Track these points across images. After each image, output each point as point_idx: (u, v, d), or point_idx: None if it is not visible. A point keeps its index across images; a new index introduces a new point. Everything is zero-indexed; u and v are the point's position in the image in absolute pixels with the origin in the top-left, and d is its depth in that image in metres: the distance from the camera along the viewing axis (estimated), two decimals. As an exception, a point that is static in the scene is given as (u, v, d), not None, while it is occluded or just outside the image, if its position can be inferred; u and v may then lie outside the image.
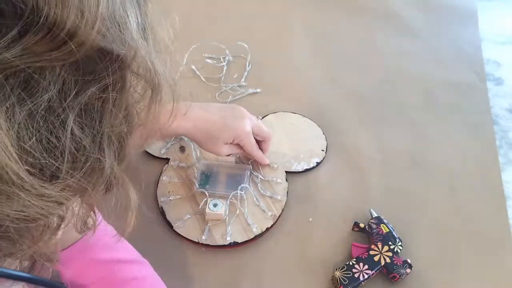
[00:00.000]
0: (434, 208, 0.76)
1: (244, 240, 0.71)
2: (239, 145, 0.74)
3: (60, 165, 0.29)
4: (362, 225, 0.71)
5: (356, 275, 0.66)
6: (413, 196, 0.77)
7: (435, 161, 0.82)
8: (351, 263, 0.67)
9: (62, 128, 0.29)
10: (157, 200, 0.75)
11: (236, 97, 0.90)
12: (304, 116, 0.87)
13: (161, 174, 0.78)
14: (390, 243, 0.68)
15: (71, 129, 0.29)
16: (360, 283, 0.66)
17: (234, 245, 0.70)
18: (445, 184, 0.79)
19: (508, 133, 0.89)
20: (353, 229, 0.72)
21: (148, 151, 0.80)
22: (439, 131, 0.87)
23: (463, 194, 0.78)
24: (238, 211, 0.73)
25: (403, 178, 0.80)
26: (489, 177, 0.80)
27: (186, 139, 0.81)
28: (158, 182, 0.77)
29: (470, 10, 1.11)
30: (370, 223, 0.71)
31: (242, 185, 0.74)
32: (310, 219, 0.74)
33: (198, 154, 0.80)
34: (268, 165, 0.78)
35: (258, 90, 0.92)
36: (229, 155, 0.76)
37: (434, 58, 1.01)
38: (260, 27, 1.06)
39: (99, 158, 0.32)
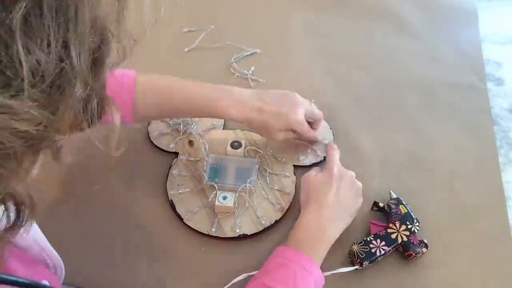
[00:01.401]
0: (434, 208, 0.76)
1: (253, 232, 0.72)
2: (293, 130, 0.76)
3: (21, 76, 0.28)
4: (381, 205, 0.73)
5: (373, 250, 0.67)
6: (413, 196, 0.76)
7: (435, 161, 0.82)
8: (369, 239, 0.69)
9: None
10: (167, 194, 0.76)
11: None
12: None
13: (170, 168, 0.79)
14: (408, 222, 0.70)
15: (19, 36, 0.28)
16: (377, 258, 0.67)
17: (243, 237, 0.71)
18: (445, 184, 0.79)
19: (509, 133, 0.89)
20: (372, 208, 0.74)
21: (158, 146, 0.82)
22: (439, 131, 0.87)
23: (463, 194, 0.78)
24: (247, 204, 0.74)
25: (403, 178, 0.80)
26: (489, 177, 0.80)
27: (194, 133, 0.83)
28: (167, 176, 0.78)
29: (470, 10, 1.11)
30: (389, 203, 0.73)
31: (250, 178, 0.76)
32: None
33: (207, 148, 0.81)
34: (319, 141, 0.81)
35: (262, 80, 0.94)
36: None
37: (434, 58, 1.01)
38: (260, 27, 1.07)
39: (64, 67, 0.31)
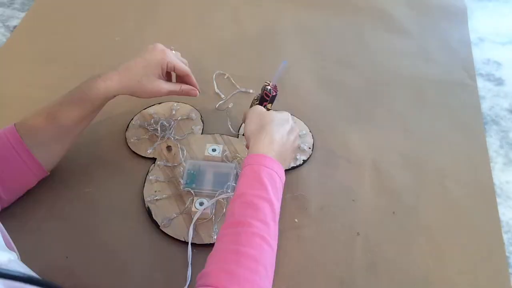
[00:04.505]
0: (426, 206, 0.75)
1: (230, 238, 0.69)
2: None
3: None
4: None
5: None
6: (404, 194, 0.76)
7: (426, 159, 0.82)
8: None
9: None
10: (144, 200, 0.74)
11: (229, 96, 0.91)
12: (292, 114, 0.86)
13: (147, 173, 0.77)
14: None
15: None
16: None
17: (220, 244, 0.69)
18: (436, 182, 0.79)
19: (509, 133, 0.88)
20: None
21: (135, 151, 0.80)
22: (429, 129, 0.87)
23: (454, 192, 0.77)
24: (224, 210, 0.73)
25: (394, 177, 0.79)
26: (480, 174, 0.80)
27: (172, 138, 0.81)
28: (144, 182, 0.76)
29: (460, 9, 1.11)
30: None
31: (228, 183, 0.74)
32: (296, 220, 0.73)
33: (185, 154, 0.79)
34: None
35: (251, 90, 0.92)
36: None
37: (424, 57, 1.01)
38: (250, 25, 1.07)
39: None
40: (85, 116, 0.71)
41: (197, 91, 0.79)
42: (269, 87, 0.75)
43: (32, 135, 0.68)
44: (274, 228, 0.59)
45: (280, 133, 0.68)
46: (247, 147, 0.69)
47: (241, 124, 0.84)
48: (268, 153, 0.64)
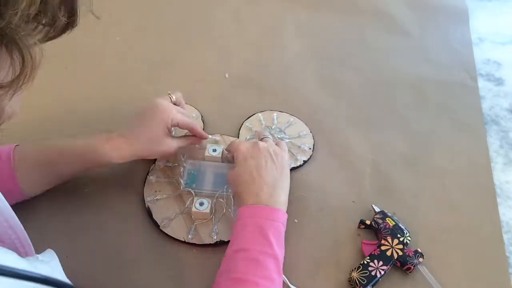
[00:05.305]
0: (426, 206, 0.75)
1: (230, 238, 0.69)
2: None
3: None
4: (368, 222, 0.71)
5: (373, 273, 0.65)
6: (404, 195, 0.76)
7: (427, 160, 0.82)
8: (365, 262, 0.66)
9: None
10: (144, 200, 0.74)
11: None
12: (292, 115, 0.86)
13: (148, 173, 0.77)
14: (398, 235, 0.68)
15: None
16: (378, 280, 0.65)
17: (220, 243, 0.69)
18: (436, 183, 0.78)
19: (509, 133, 0.88)
20: (359, 227, 0.72)
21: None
22: (430, 130, 0.86)
23: (454, 192, 0.77)
24: (224, 210, 0.73)
25: (395, 178, 0.79)
26: (481, 175, 0.80)
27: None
28: (144, 182, 0.76)
29: (461, 9, 1.11)
30: (375, 218, 0.71)
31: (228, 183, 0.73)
32: (296, 220, 0.73)
33: (185, 154, 0.79)
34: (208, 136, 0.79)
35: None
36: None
37: (425, 57, 1.01)
38: (250, 25, 1.07)
39: None
40: (85, 170, 0.72)
41: (204, 139, 0.78)
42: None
43: (25, 171, 0.68)
44: (278, 281, 0.59)
45: (273, 175, 0.68)
46: (234, 194, 0.70)
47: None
48: (269, 203, 0.64)
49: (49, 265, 0.46)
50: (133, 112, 0.72)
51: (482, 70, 0.99)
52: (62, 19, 0.39)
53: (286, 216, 0.65)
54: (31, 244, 0.54)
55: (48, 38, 0.39)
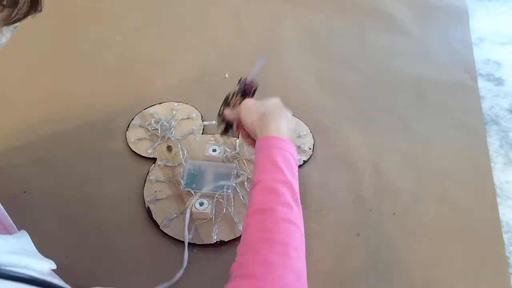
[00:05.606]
0: (426, 207, 0.75)
1: (230, 238, 0.70)
2: None
3: None
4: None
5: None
6: (404, 195, 0.76)
7: (426, 160, 0.82)
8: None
9: None
10: (144, 200, 0.74)
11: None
12: (292, 115, 0.85)
13: (148, 173, 0.77)
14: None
15: None
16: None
17: (220, 243, 0.69)
18: (436, 183, 0.78)
19: (509, 133, 0.88)
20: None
21: (136, 151, 0.80)
22: (430, 130, 0.86)
23: (454, 192, 0.77)
24: (224, 210, 0.73)
25: (394, 178, 0.79)
26: (481, 175, 0.80)
27: (173, 138, 0.81)
28: (145, 182, 0.76)
29: (461, 9, 1.11)
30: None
31: (228, 183, 0.73)
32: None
33: (185, 154, 0.79)
34: None
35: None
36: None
37: (425, 57, 1.01)
38: (250, 25, 1.07)
39: None
40: None
41: None
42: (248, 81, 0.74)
43: None
44: (296, 209, 0.58)
45: (284, 113, 0.68)
46: (250, 144, 0.69)
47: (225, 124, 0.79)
48: (278, 135, 0.64)
49: (20, 240, 0.46)
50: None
51: (482, 70, 0.99)
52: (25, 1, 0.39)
53: (295, 150, 0.65)
54: (13, 225, 0.53)
55: (11, 20, 0.40)
